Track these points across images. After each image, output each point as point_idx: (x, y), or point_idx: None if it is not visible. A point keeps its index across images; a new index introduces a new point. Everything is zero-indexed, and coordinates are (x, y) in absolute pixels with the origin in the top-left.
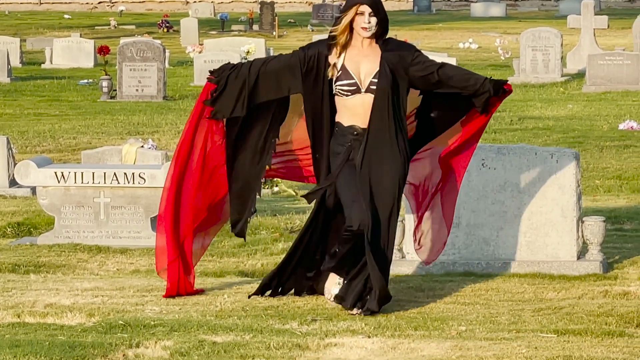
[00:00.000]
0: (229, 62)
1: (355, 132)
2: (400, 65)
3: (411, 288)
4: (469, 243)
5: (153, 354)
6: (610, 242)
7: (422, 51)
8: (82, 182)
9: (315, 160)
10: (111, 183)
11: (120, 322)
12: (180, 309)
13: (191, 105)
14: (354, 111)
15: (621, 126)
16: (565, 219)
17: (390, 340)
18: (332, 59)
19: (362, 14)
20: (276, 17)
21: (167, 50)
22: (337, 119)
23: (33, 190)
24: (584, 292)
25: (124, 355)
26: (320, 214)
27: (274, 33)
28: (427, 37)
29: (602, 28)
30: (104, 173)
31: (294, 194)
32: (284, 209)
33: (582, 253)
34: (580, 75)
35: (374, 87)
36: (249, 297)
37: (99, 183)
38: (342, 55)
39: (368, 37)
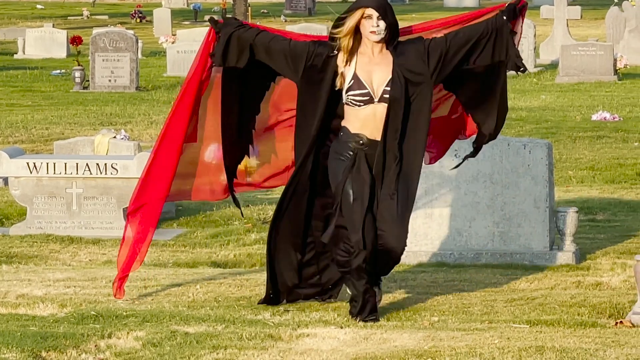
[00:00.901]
0: (235, 18)
1: (361, 142)
2: (418, 62)
3: (384, 278)
4: (441, 234)
5: (125, 344)
6: (583, 232)
7: None
8: (54, 173)
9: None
10: (83, 174)
11: (93, 312)
12: (152, 299)
13: (164, 96)
14: (364, 121)
15: (594, 117)
16: (538, 210)
17: (363, 331)
18: (340, 65)
19: (369, 17)
20: (249, 8)
21: (140, 41)
22: (344, 124)
23: (5, 180)
24: (556, 282)
25: (95, 345)
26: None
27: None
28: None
29: (575, 19)
30: (77, 164)
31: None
32: (257, 200)
33: (554, 244)
34: (553, 65)
35: (387, 96)
36: (258, 303)
37: (71, 174)
38: (353, 63)
39: (377, 42)
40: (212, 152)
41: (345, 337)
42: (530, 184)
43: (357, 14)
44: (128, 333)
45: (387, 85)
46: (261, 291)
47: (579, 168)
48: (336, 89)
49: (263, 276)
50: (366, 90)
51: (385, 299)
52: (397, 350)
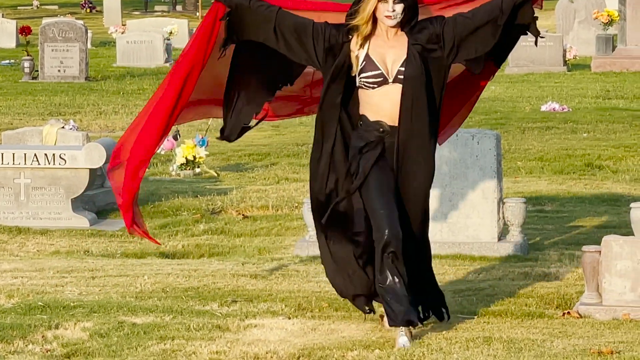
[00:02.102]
0: None
1: (382, 129)
2: (431, 41)
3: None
4: None
5: (72, 335)
6: (531, 223)
7: None
8: (2, 163)
9: (314, 159)
10: (31, 164)
11: (40, 303)
12: (100, 290)
13: (114, 86)
14: (379, 106)
15: (543, 108)
16: (486, 201)
17: (311, 322)
18: (354, 49)
19: (385, 1)
20: None
21: (89, 31)
22: (362, 112)
23: None
24: (504, 273)
25: (43, 336)
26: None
27: (197, 14)
28: None
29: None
30: (25, 154)
31: (216, 175)
32: (206, 190)
33: (502, 234)
34: None
35: (402, 77)
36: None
37: (19, 164)
38: (366, 45)
39: (393, 27)
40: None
41: (293, 327)
42: (479, 175)
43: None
44: (75, 324)
45: (402, 65)
46: (209, 281)
47: (528, 159)
48: (352, 74)
49: (211, 266)
50: (379, 71)
51: (333, 290)
52: (344, 340)
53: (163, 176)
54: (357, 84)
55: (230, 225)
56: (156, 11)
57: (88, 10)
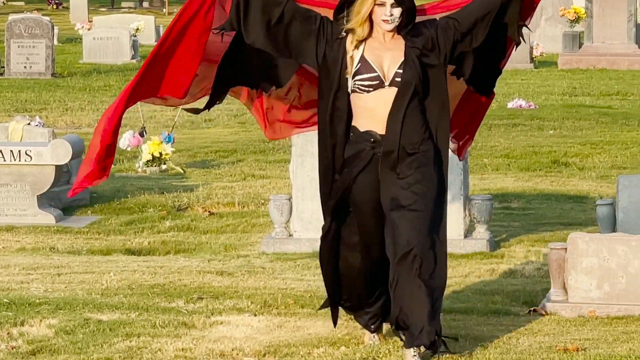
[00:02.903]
0: None
1: (373, 140)
2: (427, 47)
3: (298, 266)
4: None
5: (38, 332)
6: (497, 220)
7: None
8: None
9: (319, 171)
10: None
11: (5, 300)
12: (66, 287)
13: (80, 83)
14: (373, 112)
15: (510, 104)
16: (452, 198)
17: (277, 319)
18: (348, 49)
19: (382, 4)
20: None
21: (55, 27)
22: (353, 122)
23: None
24: (470, 270)
25: (8, 333)
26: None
27: (164, 10)
28: None
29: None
30: None
31: (182, 171)
32: (172, 187)
33: (469, 231)
34: None
35: (399, 79)
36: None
37: None
38: (361, 47)
39: (390, 31)
40: (127, 139)
41: (259, 324)
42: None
43: (369, 1)
44: (41, 321)
45: (399, 68)
46: (175, 278)
47: (494, 156)
48: (346, 76)
49: (177, 263)
50: (375, 74)
51: (299, 287)
52: (310, 338)
53: (129, 173)
54: (351, 88)
55: (197, 222)
56: (123, 7)
57: (54, 6)
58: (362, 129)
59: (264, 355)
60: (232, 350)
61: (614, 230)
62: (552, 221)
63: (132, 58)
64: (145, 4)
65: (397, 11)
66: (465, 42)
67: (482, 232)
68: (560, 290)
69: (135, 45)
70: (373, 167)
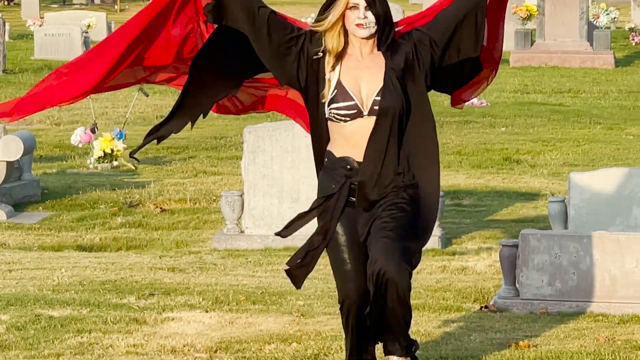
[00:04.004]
0: None
1: (349, 167)
2: (408, 61)
3: (250, 262)
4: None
5: None
6: (449, 217)
7: None
8: None
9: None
10: None
11: None
12: (17, 283)
13: (31, 79)
14: (351, 140)
15: None
16: None
17: (228, 315)
18: (326, 70)
19: (354, 7)
20: None
21: (7, 24)
22: (329, 147)
23: None
24: (422, 267)
25: None
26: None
27: (116, 7)
28: None
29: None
30: None
31: (134, 168)
32: (123, 183)
33: None
34: None
35: (377, 108)
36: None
37: None
38: (337, 68)
39: (366, 38)
40: (78, 135)
41: (211, 321)
42: None
43: (341, 4)
44: None
45: (377, 94)
46: (126, 274)
47: (446, 153)
48: (322, 100)
49: (129, 260)
50: (353, 102)
51: (250, 283)
52: (262, 334)
53: (81, 169)
54: (327, 116)
55: (148, 219)
56: (74, 4)
57: (6, 3)
58: (338, 155)
59: (215, 351)
60: (184, 346)
61: (565, 227)
62: (504, 218)
63: None
64: (97, 1)
65: (372, 15)
66: (449, 54)
67: (434, 229)
68: (512, 287)
69: (86, 42)
70: (348, 199)
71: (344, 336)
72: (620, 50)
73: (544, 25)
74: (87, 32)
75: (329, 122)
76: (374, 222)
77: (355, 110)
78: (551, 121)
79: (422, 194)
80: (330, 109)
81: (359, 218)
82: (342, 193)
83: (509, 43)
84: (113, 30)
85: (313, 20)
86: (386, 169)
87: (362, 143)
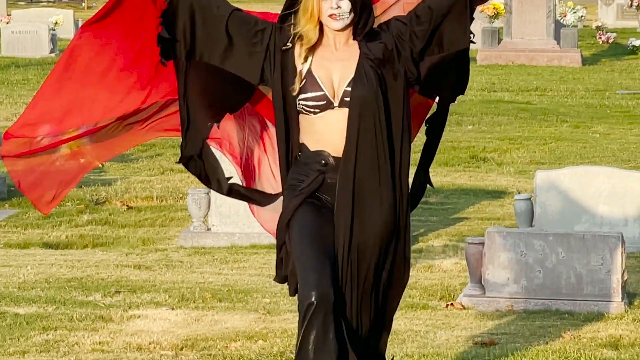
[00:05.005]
0: None
1: (324, 162)
2: (387, 51)
3: (216, 260)
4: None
5: None
6: (415, 215)
7: None
8: None
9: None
10: None
11: None
12: None
13: None
14: (325, 135)
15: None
16: None
17: (194, 312)
18: (297, 61)
19: None
20: None
21: None
22: (302, 139)
23: None
24: None
25: None
26: None
27: (83, 4)
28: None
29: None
30: None
31: (100, 165)
32: (90, 181)
33: None
34: None
35: (348, 99)
36: None
37: None
38: (309, 59)
39: (341, 31)
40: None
41: (177, 318)
42: None
43: None
44: None
45: (348, 85)
46: (93, 272)
47: (413, 151)
48: (293, 94)
49: (95, 257)
50: (322, 93)
51: (217, 280)
52: (228, 331)
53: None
54: (297, 108)
55: (114, 216)
56: (41, 1)
57: None
58: (312, 149)
59: (181, 349)
60: (150, 343)
61: (531, 225)
62: (470, 216)
63: (51, 52)
64: None
65: (345, 4)
66: (431, 49)
67: None
68: (478, 284)
69: (54, 39)
70: (321, 194)
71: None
72: (587, 48)
73: (511, 23)
74: (54, 30)
75: (300, 117)
76: (353, 229)
77: (325, 101)
78: (518, 119)
79: (398, 192)
80: (299, 100)
81: (338, 219)
82: (312, 185)
83: (476, 41)
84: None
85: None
86: (364, 169)
87: (335, 138)
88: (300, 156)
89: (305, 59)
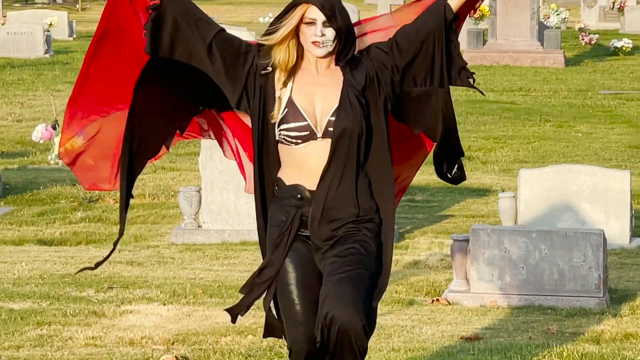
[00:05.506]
0: None
1: (299, 196)
2: (368, 79)
3: (207, 256)
4: None
5: None
6: (402, 212)
7: (224, 26)
8: None
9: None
10: None
11: None
12: None
13: None
14: (304, 166)
15: None
16: None
17: (186, 308)
18: (276, 87)
19: (311, 23)
20: None
21: None
22: (280, 174)
23: None
24: None
25: None
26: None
27: (77, 6)
28: (227, 11)
29: (398, 4)
30: None
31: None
32: None
33: None
34: None
35: (332, 129)
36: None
37: None
38: (289, 84)
39: (323, 57)
40: (39, 132)
41: (168, 313)
42: None
43: (296, 15)
44: None
45: (332, 115)
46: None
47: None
48: (272, 121)
49: (88, 254)
50: (305, 123)
51: (207, 276)
52: (218, 326)
53: (42, 165)
54: (277, 138)
55: (107, 213)
56: (36, 3)
57: None
58: (288, 183)
59: (173, 343)
60: (142, 338)
61: (515, 222)
62: (455, 213)
63: (46, 53)
64: (59, 0)
65: (330, 32)
66: (409, 81)
67: None
68: (463, 280)
69: (48, 40)
70: (302, 232)
71: None
72: (570, 49)
73: (496, 25)
74: (49, 31)
75: (280, 146)
76: (329, 259)
77: (308, 132)
78: (502, 119)
79: (381, 230)
80: (280, 130)
81: (314, 254)
82: (293, 226)
83: (461, 42)
84: (75, 29)
85: (269, 24)
86: (341, 199)
87: (315, 169)
88: (277, 191)
89: (285, 84)
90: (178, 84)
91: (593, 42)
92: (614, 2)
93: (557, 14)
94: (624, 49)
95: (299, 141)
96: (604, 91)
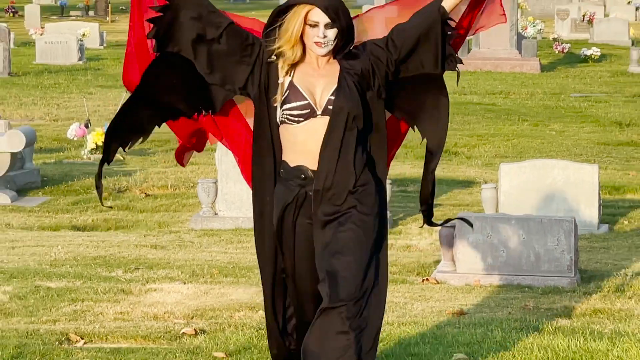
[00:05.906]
0: None
1: (303, 176)
2: (365, 68)
3: (222, 241)
4: None
5: None
6: (395, 202)
7: None
8: None
9: (257, 235)
10: None
11: None
12: (19, 258)
13: (33, 81)
14: (304, 145)
15: None
16: None
17: (204, 286)
18: (280, 75)
19: (315, 25)
20: (109, 4)
21: (12, 33)
22: (284, 157)
23: None
24: None
25: None
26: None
27: (107, 18)
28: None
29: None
30: None
31: (122, 158)
32: (112, 172)
33: None
34: None
35: (331, 107)
36: None
37: None
38: (291, 72)
39: (324, 55)
40: (73, 130)
41: (188, 291)
42: None
43: (299, 19)
44: None
45: (332, 94)
46: (115, 251)
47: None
48: (275, 104)
49: (117, 238)
50: (305, 102)
51: (223, 259)
52: (232, 303)
53: (76, 160)
54: (279, 119)
55: (134, 202)
56: (71, 16)
57: (11, 14)
58: (292, 164)
59: (192, 317)
60: (164, 313)
61: (496, 210)
62: (443, 202)
63: (79, 60)
64: (91, 13)
65: (332, 32)
66: (407, 68)
67: None
68: (450, 262)
69: (81, 49)
70: (306, 210)
71: None
72: (545, 57)
73: (479, 35)
74: (82, 41)
75: (282, 128)
76: (332, 235)
77: (309, 110)
78: (485, 119)
79: (376, 199)
80: (283, 110)
81: (315, 226)
82: (297, 204)
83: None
84: (105, 39)
85: (268, 17)
86: (340, 173)
87: (315, 149)
88: (282, 173)
89: (288, 73)
90: (183, 78)
91: (565, 51)
92: (584, 15)
93: (534, 26)
94: (593, 56)
95: (301, 119)
96: (575, 94)
